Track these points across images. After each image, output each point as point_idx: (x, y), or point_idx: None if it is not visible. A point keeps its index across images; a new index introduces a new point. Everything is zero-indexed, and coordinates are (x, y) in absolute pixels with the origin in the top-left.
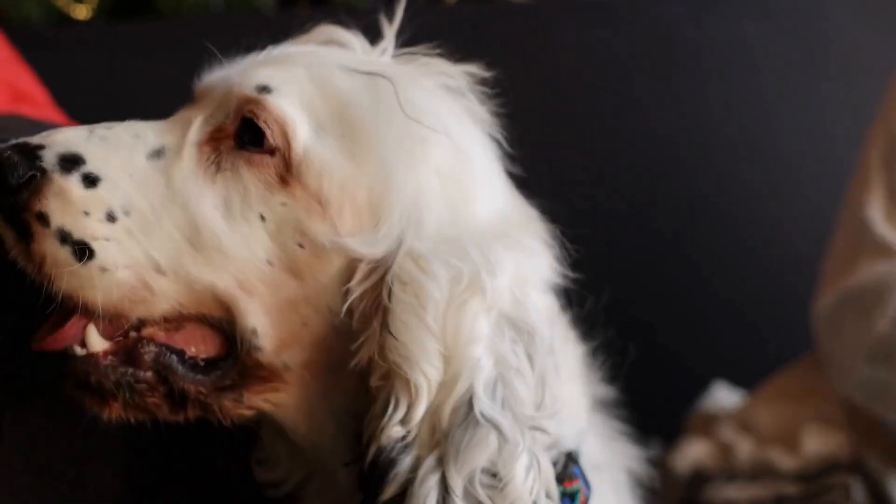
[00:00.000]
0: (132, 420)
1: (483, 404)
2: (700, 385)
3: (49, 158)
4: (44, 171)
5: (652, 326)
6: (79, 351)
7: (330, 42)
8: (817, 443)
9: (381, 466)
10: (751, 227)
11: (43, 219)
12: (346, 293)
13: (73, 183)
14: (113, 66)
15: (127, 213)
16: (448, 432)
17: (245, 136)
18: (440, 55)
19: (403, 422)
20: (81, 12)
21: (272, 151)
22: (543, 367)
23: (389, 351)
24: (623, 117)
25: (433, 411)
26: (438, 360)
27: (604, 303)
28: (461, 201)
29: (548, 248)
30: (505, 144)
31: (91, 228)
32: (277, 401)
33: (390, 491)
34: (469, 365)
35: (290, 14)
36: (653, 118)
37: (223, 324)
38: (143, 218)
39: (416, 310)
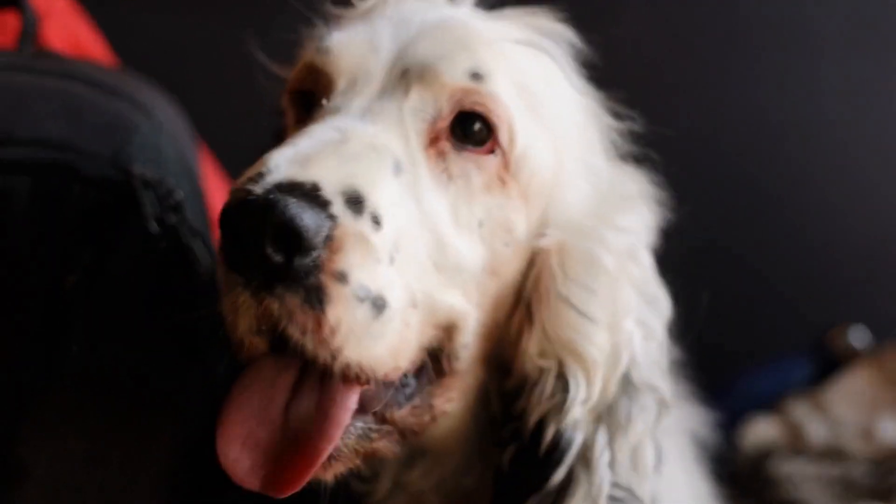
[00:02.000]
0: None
1: (643, 372)
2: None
3: (336, 201)
4: (334, 219)
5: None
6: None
7: None
8: (894, 431)
9: (563, 447)
10: (798, 210)
11: (342, 278)
12: (524, 281)
13: (367, 227)
14: (168, 21)
15: (398, 250)
16: (612, 404)
17: (460, 131)
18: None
19: (585, 400)
20: None
21: (493, 150)
22: (665, 333)
23: (561, 329)
24: (680, 92)
25: (603, 385)
26: (606, 332)
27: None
28: (592, 174)
29: (652, 210)
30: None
31: (384, 276)
32: (453, 402)
33: (564, 471)
34: (626, 336)
35: None
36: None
37: (435, 342)
38: (405, 250)
39: (590, 282)
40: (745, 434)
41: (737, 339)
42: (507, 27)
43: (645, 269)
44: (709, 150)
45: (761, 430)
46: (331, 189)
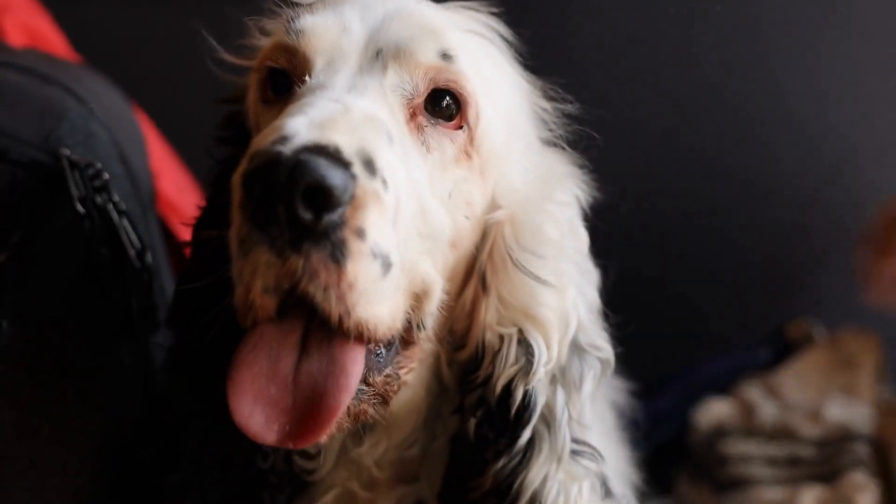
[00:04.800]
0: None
1: (588, 335)
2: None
3: (356, 162)
4: (356, 178)
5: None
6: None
7: None
8: (839, 413)
9: (530, 408)
10: (756, 190)
11: (361, 234)
12: (477, 254)
13: (380, 188)
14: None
15: (398, 213)
16: (565, 366)
17: (431, 107)
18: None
19: (546, 362)
20: None
21: (460, 125)
22: (598, 301)
23: (518, 295)
24: (639, 82)
25: (558, 348)
26: (556, 296)
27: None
28: (531, 153)
29: (582, 189)
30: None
31: (391, 236)
32: (413, 372)
33: (529, 431)
34: (571, 301)
35: None
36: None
37: (409, 310)
38: (402, 214)
39: (539, 251)
40: (700, 414)
41: (700, 326)
42: (455, 16)
43: (581, 242)
44: (670, 140)
45: (715, 411)
46: (350, 151)
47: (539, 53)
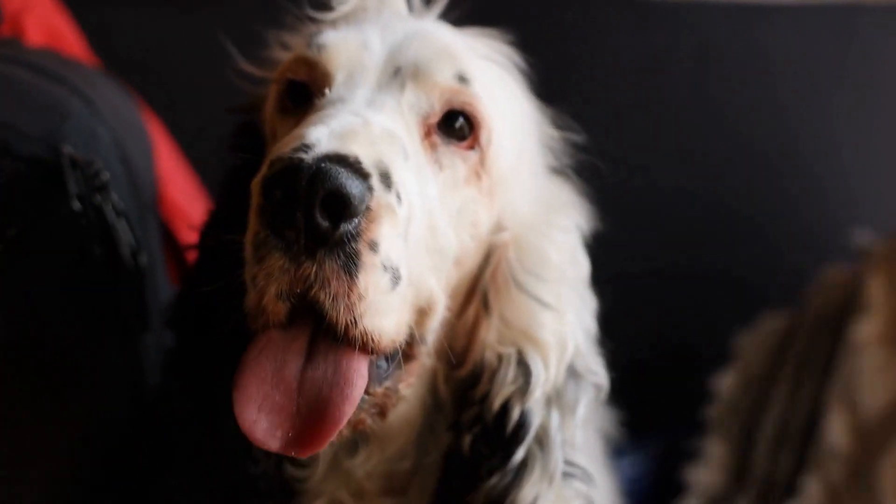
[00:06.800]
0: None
1: (585, 359)
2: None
3: (374, 174)
4: (372, 190)
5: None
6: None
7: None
8: None
9: (525, 427)
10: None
11: (374, 246)
12: (480, 274)
13: (394, 201)
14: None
15: (409, 228)
16: (561, 388)
17: (445, 127)
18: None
19: (543, 383)
20: None
21: (472, 146)
22: (595, 328)
23: (519, 315)
24: (647, 116)
25: (556, 370)
26: (556, 319)
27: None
28: (537, 179)
29: (585, 217)
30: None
31: (401, 250)
32: (412, 387)
33: (524, 450)
34: (570, 325)
35: None
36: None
37: (412, 324)
38: (412, 229)
39: (542, 274)
40: None
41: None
42: (473, 42)
43: (582, 269)
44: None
45: None
46: (369, 163)
47: (551, 83)
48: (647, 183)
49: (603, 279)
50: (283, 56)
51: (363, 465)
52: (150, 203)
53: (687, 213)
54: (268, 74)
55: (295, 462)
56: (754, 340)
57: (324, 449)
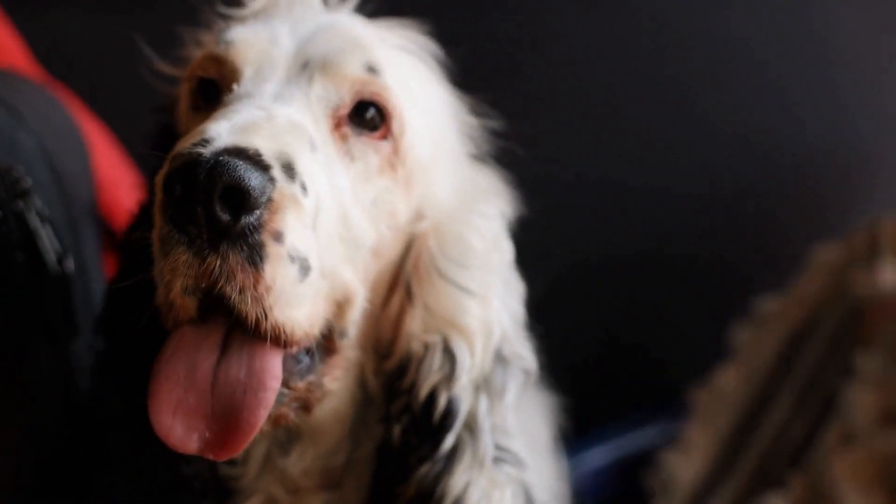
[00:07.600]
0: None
1: (512, 345)
2: None
3: (275, 165)
4: (274, 182)
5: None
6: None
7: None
8: None
9: (453, 414)
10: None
11: (279, 237)
12: (402, 265)
13: (299, 192)
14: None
15: (318, 218)
16: (489, 375)
17: (356, 117)
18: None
19: (469, 370)
20: None
21: (385, 136)
22: (522, 312)
23: (443, 303)
24: (609, 106)
25: (482, 356)
26: (480, 306)
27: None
28: (457, 167)
29: (508, 203)
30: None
31: (309, 240)
32: (338, 381)
33: (453, 438)
34: (495, 311)
35: None
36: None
37: (330, 317)
38: (322, 219)
39: (464, 260)
40: None
41: None
42: (386, 33)
43: (505, 255)
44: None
45: None
46: (270, 155)
47: (502, 68)
48: (603, 172)
49: (581, 264)
50: (197, 54)
51: (297, 462)
52: (85, 208)
53: (654, 201)
54: (182, 73)
55: (228, 461)
56: (756, 336)
57: (256, 447)
